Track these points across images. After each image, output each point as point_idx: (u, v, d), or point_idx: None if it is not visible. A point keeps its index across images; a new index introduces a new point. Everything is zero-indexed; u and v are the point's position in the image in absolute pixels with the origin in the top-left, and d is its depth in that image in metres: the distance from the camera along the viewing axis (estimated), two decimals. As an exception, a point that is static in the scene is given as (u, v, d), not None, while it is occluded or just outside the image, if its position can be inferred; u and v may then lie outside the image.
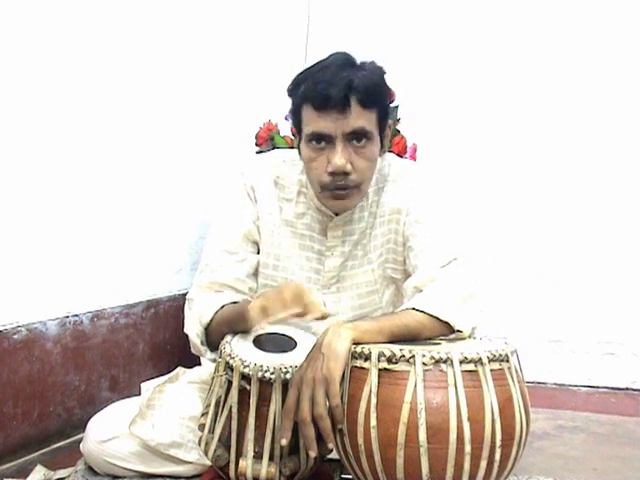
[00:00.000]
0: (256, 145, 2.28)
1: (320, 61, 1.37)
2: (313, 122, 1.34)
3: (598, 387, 2.41)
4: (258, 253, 1.52)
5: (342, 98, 1.30)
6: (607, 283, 2.45)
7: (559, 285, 2.50)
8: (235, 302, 1.41)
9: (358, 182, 1.37)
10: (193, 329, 1.44)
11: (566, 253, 2.50)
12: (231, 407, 1.23)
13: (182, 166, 2.14)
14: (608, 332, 2.44)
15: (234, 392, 1.23)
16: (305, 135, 1.37)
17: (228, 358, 1.26)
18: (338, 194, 1.38)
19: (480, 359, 1.12)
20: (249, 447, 1.22)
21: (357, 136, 1.34)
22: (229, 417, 1.24)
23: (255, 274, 1.52)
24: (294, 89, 1.38)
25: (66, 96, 1.67)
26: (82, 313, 1.74)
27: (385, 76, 1.39)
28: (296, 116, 1.39)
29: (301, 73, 1.39)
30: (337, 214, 1.46)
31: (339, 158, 1.33)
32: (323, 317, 1.19)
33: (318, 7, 2.71)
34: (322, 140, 1.34)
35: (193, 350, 1.47)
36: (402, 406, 1.09)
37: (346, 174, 1.35)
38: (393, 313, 1.38)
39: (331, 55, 1.38)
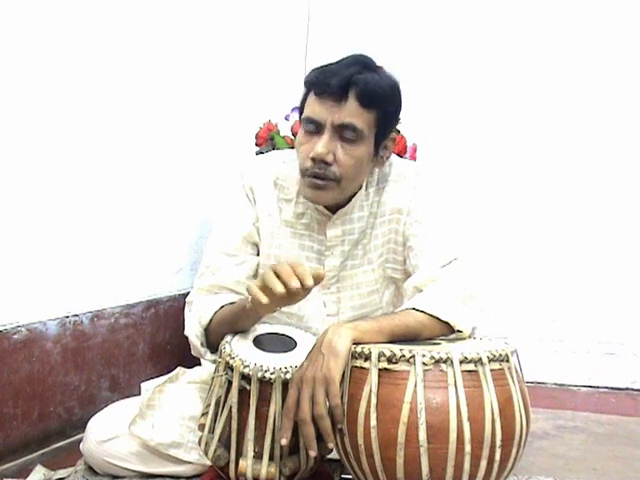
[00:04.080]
0: (256, 145, 2.28)
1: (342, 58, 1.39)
2: (310, 107, 1.36)
3: (598, 387, 2.41)
4: (258, 255, 1.52)
5: (339, 88, 1.31)
6: (607, 283, 2.45)
7: (559, 285, 2.50)
8: (233, 302, 1.41)
9: (338, 176, 1.36)
10: (193, 331, 1.44)
11: (566, 253, 2.50)
12: (231, 407, 1.23)
13: (182, 166, 2.14)
14: (608, 332, 2.45)
15: (234, 392, 1.23)
16: (301, 119, 1.39)
17: (228, 358, 1.26)
18: (315, 183, 1.37)
19: (480, 359, 1.12)
20: (249, 447, 1.22)
21: (347, 131, 1.34)
22: (229, 417, 1.24)
23: (255, 276, 1.52)
24: (306, 76, 1.40)
25: (66, 96, 1.67)
26: (82, 313, 1.74)
27: (397, 87, 1.39)
28: (302, 103, 1.41)
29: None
30: (334, 212, 1.46)
31: (322, 146, 1.33)
32: (318, 279, 1.18)
33: (318, 7, 2.71)
34: (314, 126, 1.36)
35: (193, 352, 1.47)
36: (402, 406, 1.09)
37: (327, 164, 1.35)
38: (393, 313, 1.38)
39: (352, 55, 1.39)
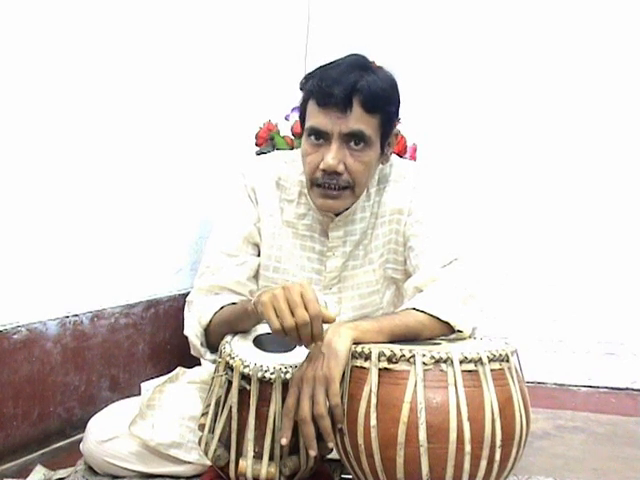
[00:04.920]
0: (256, 145, 2.28)
1: (336, 60, 1.38)
2: (314, 117, 1.35)
3: (598, 387, 2.41)
4: (259, 255, 1.52)
5: (344, 98, 1.30)
6: (607, 283, 2.45)
7: (559, 285, 2.50)
8: (234, 303, 1.41)
9: (350, 184, 1.37)
10: (193, 330, 1.44)
11: (566, 253, 2.50)
12: (231, 407, 1.23)
13: (182, 166, 2.14)
14: (608, 332, 2.45)
15: (234, 392, 1.22)
16: (305, 129, 1.38)
17: (228, 358, 1.26)
18: (328, 193, 1.37)
19: (480, 359, 1.12)
20: (249, 447, 1.22)
21: (355, 138, 1.34)
22: (229, 417, 1.24)
23: (256, 276, 1.52)
24: (304, 83, 1.39)
25: (66, 96, 1.67)
26: (82, 313, 1.74)
27: (396, 85, 1.38)
28: (302, 110, 1.40)
29: (315, 69, 1.39)
30: (337, 214, 1.46)
31: (332, 157, 1.33)
32: (329, 321, 1.17)
33: (318, 7, 2.71)
34: (320, 136, 1.35)
35: (193, 352, 1.47)
36: (402, 406, 1.09)
37: (338, 174, 1.35)
38: (394, 313, 1.38)
39: (348, 55, 1.38)
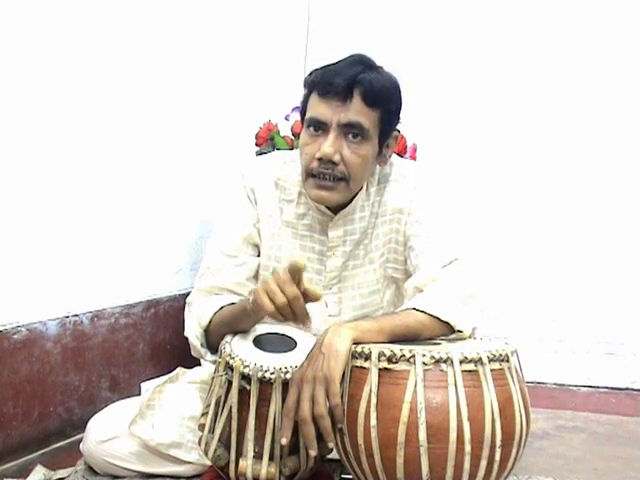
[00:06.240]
0: (256, 145, 2.28)
1: (340, 59, 1.39)
2: (314, 108, 1.36)
3: (598, 387, 2.41)
4: (259, 256, 1.52)
5: (345, 87, 1.31)
6: (607, 283, 2.45)
7: (559, 285, 2.50)
8: (233, 303, 1.41)
9: (345, 176, 1.37)
10: (193, 332, 1.44)
11: (567, 253, 2.50)
12: (231, 407, 1.23)
13: (182, 166, 2.14)
14: (608, 332, 2.45)
15: (234, 392, 1.23)
16: (305, 120, 1.39)
17: (228, 358, 1.26)
18: (322, 184, 1.38)
19: (480, 359, 1.12)
20: (249, 447, 1.22)
21: (353, 130, 1.34)
22: (229, 417, 1.24)
23: (255, 277, 1.52)
24: (307, 78, 1.40)
25: (66, 96, 1.67)
26: (82, 313, 1.73)
27: (398, 86, 1.39)
28: (304, 104, 1.41)
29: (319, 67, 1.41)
30: (336, 213, 1.46)
31: (329, 146, 1.33)
32: (315, 299, 1.21)
33: (318, 7, 2.71)
34: (318, 127, 1.36)
35: (193, 353, 1.47)
36: (402, 406, 1.09)
37: (334, 164, 1.35)
38: (394, 313, 1.38)
39: (352, 54, 1.39)
